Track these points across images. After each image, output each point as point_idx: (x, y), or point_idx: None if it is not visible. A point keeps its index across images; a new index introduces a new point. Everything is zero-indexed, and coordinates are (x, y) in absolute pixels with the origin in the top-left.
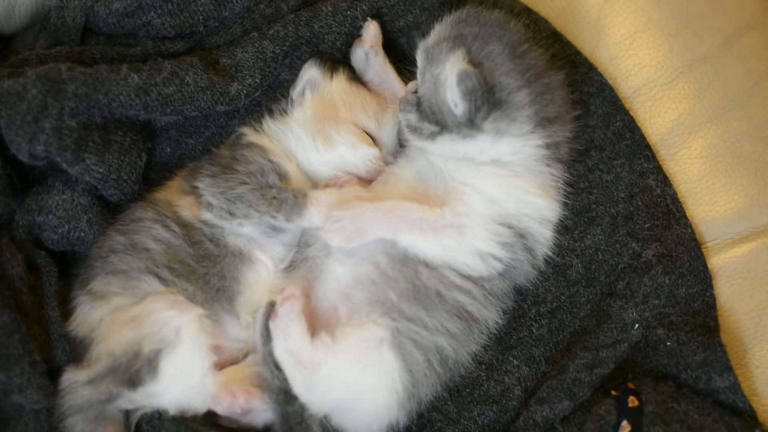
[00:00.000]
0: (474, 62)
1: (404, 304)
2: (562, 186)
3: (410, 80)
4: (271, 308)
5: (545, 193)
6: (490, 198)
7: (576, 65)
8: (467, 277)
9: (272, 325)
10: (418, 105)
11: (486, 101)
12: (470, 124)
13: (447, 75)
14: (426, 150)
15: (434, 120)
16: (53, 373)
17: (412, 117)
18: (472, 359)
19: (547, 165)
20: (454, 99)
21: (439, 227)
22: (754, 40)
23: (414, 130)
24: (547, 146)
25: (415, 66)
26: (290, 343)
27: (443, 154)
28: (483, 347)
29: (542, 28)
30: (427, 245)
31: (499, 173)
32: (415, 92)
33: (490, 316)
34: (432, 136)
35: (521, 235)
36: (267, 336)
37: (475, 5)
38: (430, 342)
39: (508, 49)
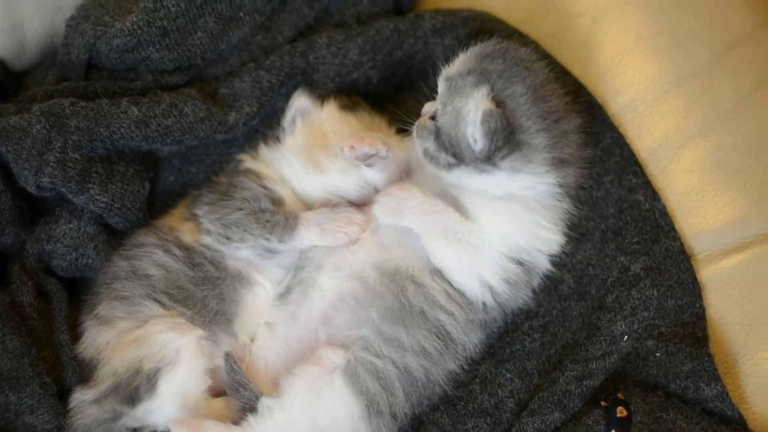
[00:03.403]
0: (497, 101)
1: (385, 323)
2: (569, 219)
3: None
4: (230, 360)
5: (556, 228)
6: (504, 232)
7: (565, 85)
8: (453, 300)
9: None
10: (437, 135)
11: (506, 142)
12: (487, 160)
13: (470, 110)
14: (441, 177)
15: (452, 152)
16: (65, 394)
17: (430, 146)
18: (452, 378)
19: (558, 200)
20: (474, 136)
21: (462, 240)
22: (743, 53)
23: (431, 158)
24: (560, 184)
25: (430, 89)
26: None
27: (457, 185)
28: (475, 362)
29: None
30: (443, 251)
31: (513, 207)
32: (433, 117)
33: (469, 341)
34: (448, 167)
35: (527, 272)
36: (235, 388)
37: (501, 40)
38: (397, 364)
39: (531, 92)
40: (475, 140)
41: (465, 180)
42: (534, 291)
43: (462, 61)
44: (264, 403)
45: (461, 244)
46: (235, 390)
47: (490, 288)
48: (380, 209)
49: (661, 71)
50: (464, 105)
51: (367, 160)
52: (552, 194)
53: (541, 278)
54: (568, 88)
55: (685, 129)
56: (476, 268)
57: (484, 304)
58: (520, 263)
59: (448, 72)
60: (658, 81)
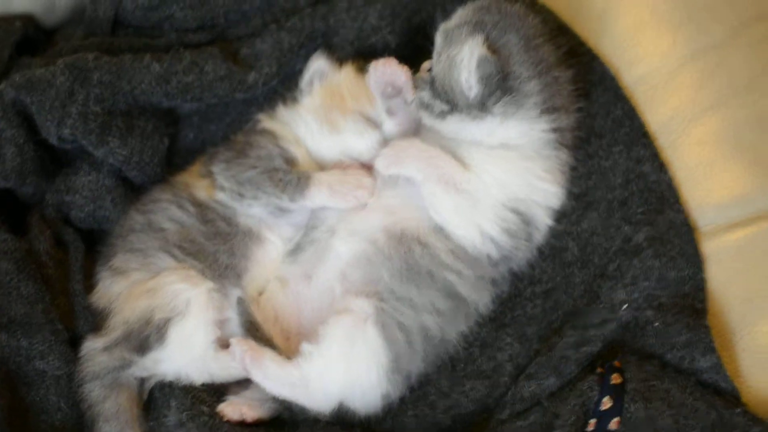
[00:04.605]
0: (491, 48)
1: (395, 283)
2: (567, 171)
3: None
4: (243, 303)
5: (553, 178)
6: (501, 181)
7: (579, 55)
8: (458, 258)
9: (251, 375)
10: (432, 83)
11: (499, 87)
12: (481, 106)
13: (464, 57)
14: (437, 131)
15: (446, 99)
16: (77, 342)
17: (425, 94)
18: (463, 339)
19: (555, 149)
20: (469, 81)
21: (461, 188)
22: (760, 31)
23: (426, 107)
24: (553, 131)
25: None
26: (274, 379)
27: (452, 135)
28: (477, 325)
29: (547, 19)
30: (443, 200)
31: (509, 156)
32: (430, 70)
33: (481, 299)
34: (442, 114)
35: (526, 222)
36: (247, 327)
37: None
38: (415, 321)
39: (524, 41)
40: (470, 86)
41: (459, 128)
42: (539, 249)
43: (459, 14)
44: (305, 348)
45: (459, 192)
46: (247, 330)
47: (491, 238)
48: (382, 161)
49: (677, 45)
50: (459, 52)
51: (391, 98)
52: (547, 143)
53: (544, 234)
54: (581, 58)
55: (697, 102)
56: (475, 217)
57: (489, 257)
58: (518, 213)
59: (445, 26)
60: (673, 54)
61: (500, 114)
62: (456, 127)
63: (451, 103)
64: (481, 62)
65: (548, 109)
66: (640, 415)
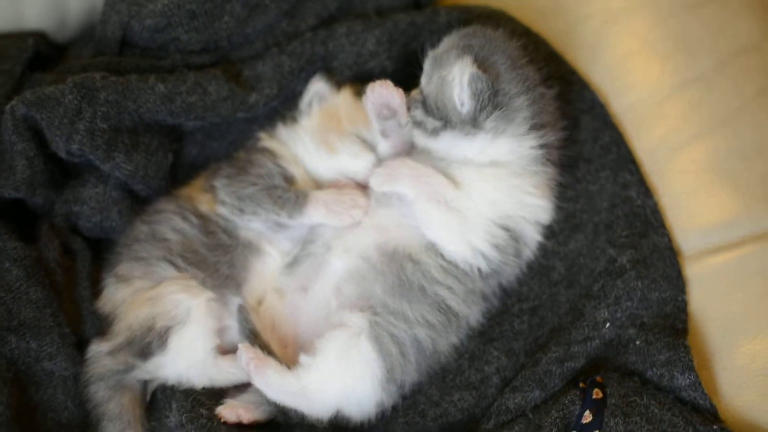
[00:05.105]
0: (481, 68)
1: (388, 298)
2: (555, 186)
3: None
4: (243, 311)
5: (542, 192)
6: (491, 199)
7: (570, 83)
8: (449, 274)
9: (254, 382)
10: (424, 102)
11: (491, 102)
12: (473, 122)
13: (455, 75)
14: (430, 150)
15: (438, 116)
16: (83, 345)
17: (418, 113)
18: (454, 350)
19: (542, 165)
20: (461, 97)
21: (451, 206)
22: (747, 62)
23: (419, 125)
24: (541, 147)
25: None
26: (275, 388)
27: (444, 154)
28: (467, 338)
29: (540, 48)
30: (434, 216)
31: (499, 173)
32: (421, 92)
33: (471, 313)
34: (435, 132)
35: (515, 239)
36: (247, 335)
37: (481, 24)
38: (408, 334)
39: (510, 61)
40: (462, 102)
41: (451, 146)
42: (528, 267)
43: (446, 41)
44: (303, 359)
45: (450, 209)
46: (247, 337)
47: (481, 254)
48: (375, 179)
49: (665, 75)
50: (449, 72)
51: (386, 120)
52: (535, 159)
53: (534, 250)
54: (572, 86)
55: (683, 132)
56: (465, 233)
57: (479, 271)
58: (507, 229)
59: (434, 52)
60: (661, 84)
61: (491, 130)
62: (448, 144)
63: (443, 119)
64: (473, 79)
65: (536, 126)
66: (620, 429)
